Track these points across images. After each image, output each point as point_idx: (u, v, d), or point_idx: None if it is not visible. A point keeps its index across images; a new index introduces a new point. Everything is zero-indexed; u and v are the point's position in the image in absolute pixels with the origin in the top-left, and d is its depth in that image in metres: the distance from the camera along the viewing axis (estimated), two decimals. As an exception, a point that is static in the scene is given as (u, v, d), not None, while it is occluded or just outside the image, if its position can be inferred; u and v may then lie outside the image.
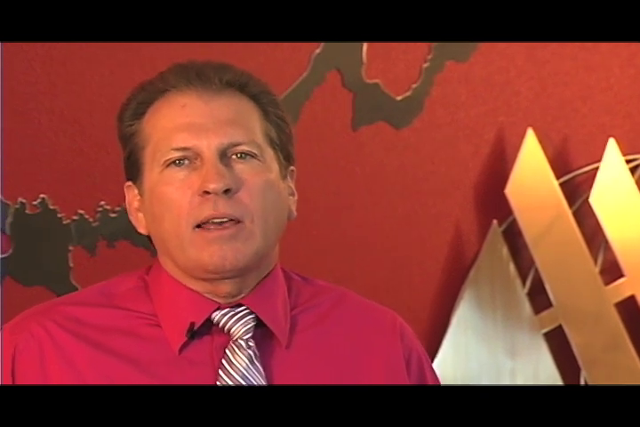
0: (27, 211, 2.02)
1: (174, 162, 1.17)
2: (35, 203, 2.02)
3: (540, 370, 2.43)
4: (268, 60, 2.21)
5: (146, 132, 1.20)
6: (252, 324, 1.18)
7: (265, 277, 1.21)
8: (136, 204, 1.23)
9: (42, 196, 2.03)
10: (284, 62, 2.26)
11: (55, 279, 2.04)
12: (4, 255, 2.00)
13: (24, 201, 2.02)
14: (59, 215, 2.05)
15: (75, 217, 2.07)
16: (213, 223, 1.14)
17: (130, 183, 1.23)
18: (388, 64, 2.38)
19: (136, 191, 1.22)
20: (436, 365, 2.35)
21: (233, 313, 1.18)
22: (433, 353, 2.36)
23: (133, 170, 1.22)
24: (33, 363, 1.17)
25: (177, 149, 1.16)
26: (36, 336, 1.18)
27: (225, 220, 1.14)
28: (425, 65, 2.40)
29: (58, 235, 2.06)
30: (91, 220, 2.08)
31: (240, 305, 1.19)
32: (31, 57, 2.00)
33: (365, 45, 2.34)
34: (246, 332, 1.18)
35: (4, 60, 1.93)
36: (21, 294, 1.99)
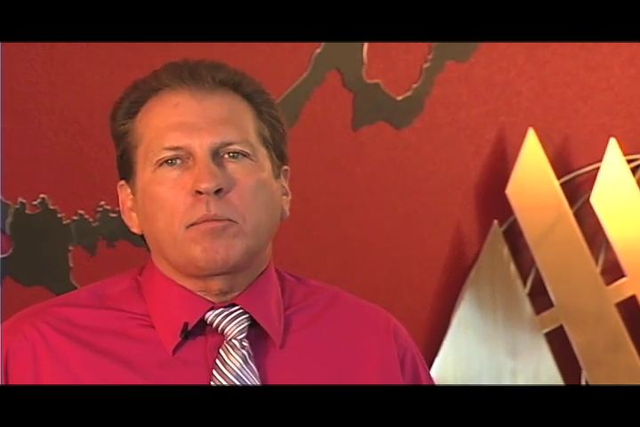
0: (27, 211, 2.02)
1: (167, 161, 1.17)
2: (35, 203, 2.03)
3: (540, 370, 2.43)
4: (268, 60, 2.21)
5: (138, 131, 1.20)
6: (246, 324, 1.18)
7: (258, 276, 1.21)
8: (129, 203, 1.23)
9: (42, 196, 2.03)
10: (285, 62, 2.26)
11: (55, 279, 2.05)
12: (3, 255, 2.01)
13: (24, 201, 2.02)
14: (59, 215, 2.05)
15: (75, 217, 2.07)
16: (206, 222, 1.15)
17: (123, 182, 1.23)
18: (388, 64, 2.38)
19: (129, 190, 1.22)
20: (436, 365, 2.36)
21: (227, 313, 1.18)
22: (433, 353, 2.36)
23: (126, 169, 1.22)
24: (26, 364, 1.17)
25: (169, 149, 1.16)
26: (29, 338, 1.18)
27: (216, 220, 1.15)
28: (425, 65, 2.40)
29: (58, 235, 2.06)
30: (91, 220, 2.08)
31: (233, 305, 1.19)
32: (31, 57, 2.01)
33: (366, 45, 2.34)
34: (240, 332, 1.18)
35: (3, 60, 1.93)
36: (21, 294, 1.99)
